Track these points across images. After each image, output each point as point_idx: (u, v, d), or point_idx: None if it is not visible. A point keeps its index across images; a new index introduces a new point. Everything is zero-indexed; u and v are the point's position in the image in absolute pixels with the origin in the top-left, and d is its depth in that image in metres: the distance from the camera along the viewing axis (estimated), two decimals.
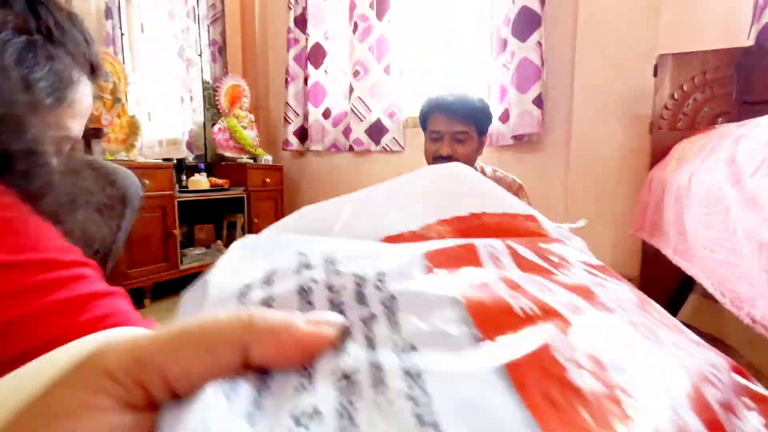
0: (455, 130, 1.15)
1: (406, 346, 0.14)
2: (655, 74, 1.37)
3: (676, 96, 1.31)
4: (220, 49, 2.66)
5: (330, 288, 0.17)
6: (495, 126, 1.97)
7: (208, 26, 2.54)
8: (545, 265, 0.20)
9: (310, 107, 2.53)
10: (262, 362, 0.14)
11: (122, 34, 2.00)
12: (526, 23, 1.80)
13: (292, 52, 2.55)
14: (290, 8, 2.52)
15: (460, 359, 0.14)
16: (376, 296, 0.17)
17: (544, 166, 1.96)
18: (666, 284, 1.27)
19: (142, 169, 1.44)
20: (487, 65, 2.04)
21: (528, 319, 0.15)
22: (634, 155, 1.68)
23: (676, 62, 1.31)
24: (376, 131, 2.34)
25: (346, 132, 2.46)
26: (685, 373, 0.14)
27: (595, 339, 0.15)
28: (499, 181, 1.23)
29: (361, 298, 0.17)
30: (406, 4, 2.28)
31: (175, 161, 1.87)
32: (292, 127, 2.60)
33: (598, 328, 0.16)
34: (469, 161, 1.19)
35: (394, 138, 2.32)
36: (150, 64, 2.69)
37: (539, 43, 1.80)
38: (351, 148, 2.43)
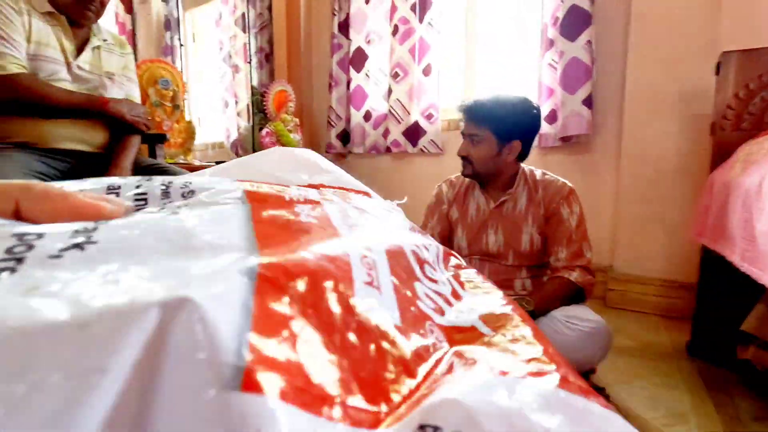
0: (470, 132, 1.19)
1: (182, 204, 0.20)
2: (717, 72, 1.30)
3: (741, 95, 1.24)
4: (266, 56, 2.77)
5: (138, 187, 0.21)
6: (543, 127, 1.94)
7: (256, 34, 2.65)
8: (342, 201, 0.26)
9: (352, 110, 2.58)
10: (32, 216, 0.16)
11: (181, 45, 2.12)
12: (576, 22, 1.76)
13: (336, 57, 2.61)
14: (334, 14, 2.58)
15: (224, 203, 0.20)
16: (179, 192, 0.21)
17: (593, 168, 1.90)
18: (728, 292, 1.21)
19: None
20: (533, 66, 2.01)
21: (294, 202, 0.22)
22: (691, 157, 1.60)
23: (741, 59, 1.24)
24: (414, 133, 2.35)
25: (385, 134, 2.49)
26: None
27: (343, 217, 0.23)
28: (548, 185, 1.21)
29: (165, 194, 0.21)
30: (447, 6, 2.28)
31: None
32: (335, 131, 2.66)
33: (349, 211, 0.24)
34: (483, 164, 1.20)
35: (432, 140, 2.33)
36: (200, 71, 2.83)
37: (589, 42, 1.75)
38: (389, 150, 2.46)
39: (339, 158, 2.78)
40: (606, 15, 1.80)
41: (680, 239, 1.64)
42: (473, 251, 1.30)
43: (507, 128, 1.17)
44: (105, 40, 1.37)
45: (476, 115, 1.17)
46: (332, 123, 2.67)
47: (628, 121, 1.74)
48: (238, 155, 2.55)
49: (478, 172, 1.21)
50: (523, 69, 2.18)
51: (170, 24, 3.08)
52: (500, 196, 1.25)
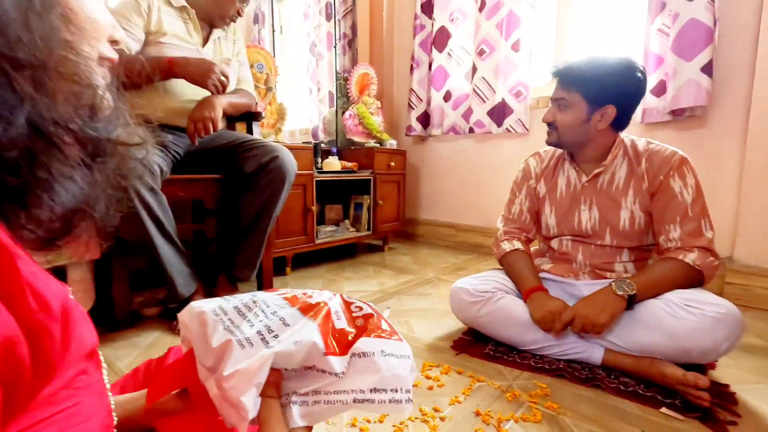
0: (557, 96, 1.11)
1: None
2: None
3: None
4: (349, 42, 2.82)
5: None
6: (646, 100, 1.74)
7: (339, 21, 2.70)
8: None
9: (433, 92, 2.54)
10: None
11: (274, 31, 2.23)
12: None
13: (418, 38, 2.58)
14: None
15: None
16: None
17: (710, 145, 1.67)
18: None
19: (289, 149, 1.59)
20: (641, 33, 1.80)
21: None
22: None
23: None
24: (500, 112, 2.25)
25: (467, 114, 2.41)
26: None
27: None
28: (653, 155, 1.07)
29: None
30: None
31: (312, 144, 2.04)
32: (415, 113, 2.64)
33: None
34: (569, 132, 1.10)
35: (519, 119, 2.21)
36: (288, 64, 2.97)
37: (712, 0, 1.53)
38: (471, 131, 2.38)
39: (418, 141, 2.76)
40: None
41: None
42: (563, 230, 1.21)
43: (599, 91, 1.05)
44: (223, 30, 1.51)
45: (565, 77, 1.09)
46: (412, 105, 2.65)
47: (760, 90, 1.49)
48: (317, 140, 2.63)
49: (563, 140, 1.12)
50: (625, 39, 1.97)
51: (258, 18, 3.27)
52: (593, 169, 1.14)
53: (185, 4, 1.38)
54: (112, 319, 1.27)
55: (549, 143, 1.17)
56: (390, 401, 0.39)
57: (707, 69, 1.55)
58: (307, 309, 0.41)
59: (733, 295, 1.54)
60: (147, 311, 1.38)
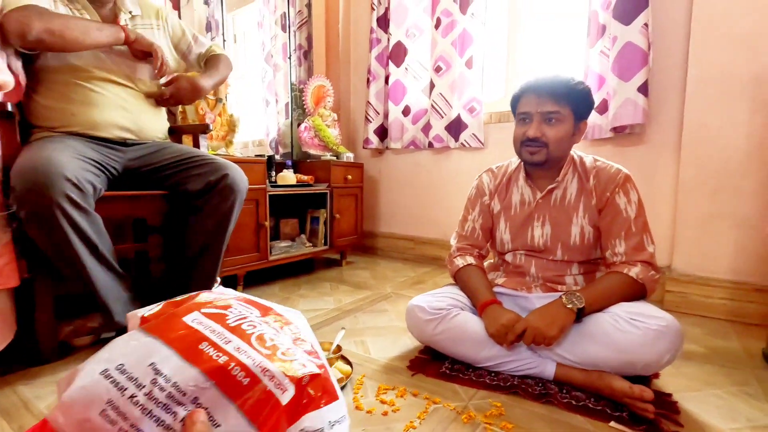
0: (545, 110, 1.07)
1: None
2: None
3: None
4: (305, 53, 2.78)
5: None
6: (591, 118, 1.83)
7: (295, 32, 2.66)
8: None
9: (390, 105, 2.55)
10: None
11: (224, 40, 2.16)
12: (631, 4, 1.65)
13: (374, 52, 2.59)
14: (373, 9, 2.56)
15: None
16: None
17: (649, 160, 1.77)
18: None
19: (240, 164, 1.53)
20: (582, 54, 1.90)
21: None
22: (766, 145, 1.45)
23: None
24: (456, 127, 2.29)
25: (426, 129, 2.43)
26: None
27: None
28: (600, 171, 1.12)
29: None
30: None
31: (266, 157, 1.97)
32: (372, 126, 2.64)
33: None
34: (559, 147, 1.09)
35: (473, 134, 2.25)
36: (242, 74, 2.89)
37: (646, 25, 1.63)
38: (430, 145, 2.41)
39: (376, 153, 2.75)
40: None
41: (753, 237, 1.49)
42: (517, 245, 1.22)
43: (583, 107, 1.10)
44: (131, 13, 1.34)
45: (557, 91, 1.06)
46: (369, 118, 2.65)
47: (690, 108, 1.60)
48: (277, 151, 2.57)
49: (552, 155, 1.10)
50: (569, 59, 2.07)
51: (211, 25, 3.17)
52: (547, 185, 1.16)
53: None
54: (36, 352, 1.15)
55: (536, 162, 1.11)
56: None
57: (643, 89, 1.65)
58: (234, 388, 0.36)
59: (673, 303, 1.63)
60: (78, 341, 1.26)
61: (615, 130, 1.78)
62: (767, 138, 1.45)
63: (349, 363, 1.12)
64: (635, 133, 1.78)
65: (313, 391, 0.39)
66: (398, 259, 2.65)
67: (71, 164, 1.04)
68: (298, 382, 0.38)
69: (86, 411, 0.33)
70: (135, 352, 0.36)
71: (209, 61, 1.52)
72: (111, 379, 0.34)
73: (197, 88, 1.37)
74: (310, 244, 2.27)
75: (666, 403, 0.94)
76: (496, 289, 1.21)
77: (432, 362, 1.15)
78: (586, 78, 1.85)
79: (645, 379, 1.01)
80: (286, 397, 0.36)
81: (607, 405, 0.92)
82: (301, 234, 2.33)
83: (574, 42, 2.04)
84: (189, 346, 0.37)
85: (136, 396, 0.34)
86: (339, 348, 1.15)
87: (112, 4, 1.30)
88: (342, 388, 1.01)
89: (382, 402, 0.95)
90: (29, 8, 1.07)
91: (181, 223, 1.31)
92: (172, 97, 1.35)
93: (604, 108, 1.80)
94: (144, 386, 0.34)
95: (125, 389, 0.34)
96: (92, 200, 1.08)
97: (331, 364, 1.07)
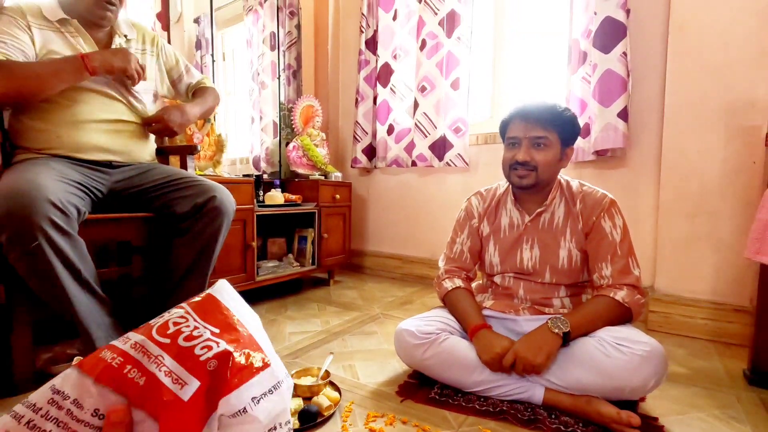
0: (533, 135, 1.11)
1: None
2: None
3: None
4: (294, 73, 2.81)
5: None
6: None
7: (284, 52, 2.69)
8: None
9: (378, 125, 2.58)
10: None
11: (213, 61, 2.17)
12: (610, 34, 1.72)
13: (363, 73, 2.63)
14: (362, 32, 2.61)
15: None
16: None
17: (630, 183, 1.82)
18: None
19: (227, 184, 1.52)
20: (564, 79, 1.96)
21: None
22: (741, 170, 1.51)
23: None
24: (440, 147, 2.32)
25: (409, 148, 2.47)
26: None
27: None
28: (586, 196, 1.15)
29: None
30: (476, 21, 2.27)
31: (254, 177, 1.96)
32: (360, 145, 2.66)
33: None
34: (547, 171, 1.12)
35: (459, 154, 2.28)
36: (229, 92, 2.89)
37: (624, 54, 1.70)
38: (414, 164, 2.43)
39: (364, 173, 2.77)
40: (642, 25, 1.75)
41: (731, 259, 1.54)
42: (506, 268, 1.24)
43: (569, 133, 1.13)
44: (127, 36, 1.34)
45: (544, 117, 1.10)
46: (358, 138, 2.67)
47: (669, 134, 1.66)
48: (259, 169, 2.56)
49: (541, 179, 1.12)
50: (552, 84, 2.14)
51: (201, 44, 3.18)
52: (536, 209, 1.19)
53: (64, 15, 1.20)
54: (10, 380, 1.10)
55: (525, 185, 1.13)
56: None
57: (623, 115, 1.71)
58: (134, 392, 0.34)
59: (656, 323, 1.66)
60: (56, 369, 1.22)
61: (597, 153, 1.83)
62: (743, 163, 1.50)
63: (337, 389, 1.10)
64: (617, 156, 1.83)
65: (228, 373, 0.36)
66: (386, 278, 2.64)
67: (55, 187, 1.02)
68: (203, 370, 0.36)
69: None
70: (47, 382, 0.36)
71: (198, 92, 1.53)
72: (14, 415, 0.34)
73: (186, 115, 1.37)
74: (298, 264, 2.25)
75: (652, 428, 0.95)
76: (485, 312, 1.22)
77: (421, 387, 1.14)
78: (568, 102, 1.91)
79: (632, 403, 1.01)
80: (187, 392, 0.34)
81: (596, 431, 0.93)
82: (289, 253, 2.31)
83: (556, 66, 2.11)
84: (91, 360, 0.37)
85: (33, 421, 0.33)
86: (327, 374, 1.14)
87: (109, 28, 1.31)
88: (330, 416, 0.99)
89: (371, 430, 0.94)
90: None
91: (167, 245, 1.29)
92: (162, 124, 1.33)
93: (586, 132, 1.85)
94: (41, 410, 0.34)
95: (22, 418, 0.34)
96: (76, 224, 1.06)
97: (319, 391, 1.06)
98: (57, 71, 1.12)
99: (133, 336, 0.38)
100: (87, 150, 1.23)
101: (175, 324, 0.39)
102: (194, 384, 0.35)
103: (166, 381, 0.34)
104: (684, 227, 1.63)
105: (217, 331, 0.40)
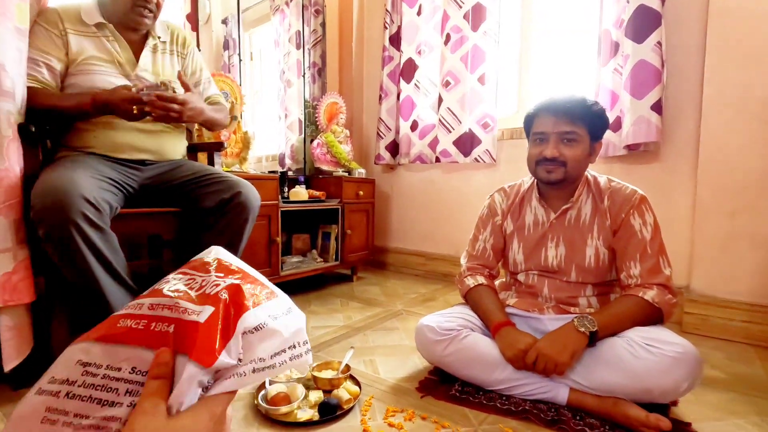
0: (562, 130, 1.07)
1: None
2: None
3: None
4: (319, 71, 2.83)
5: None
6: (605, 135, 1.81)
7: (310, 50, 2.72)
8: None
9: (401, 121, 2.57)
10: None
11: (240, 60, 2.21)
12: (644, 23, 1.64)
13: (387, 69, 2.62)
14: (386, 28, 2.60)
15: None
16: None
17: (663, 178, 1.74)
18: None
19: (253, 180, 1.55)
20: (594, 72, 1.89)
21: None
22: None
23: None
24: (467, 143, 2.28)
25: (433, 144, 2.44)
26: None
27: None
28: (615, 192, 1.10)
29: None
30: (504, 15, 2.22)
31: (279, 173, 2.00)
32: (384, 142, 2.66)
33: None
34: (577, 167, 1.09)
35: (486, 150, 2.25)
36: (256, 91, 2.95)
37: (659, 44, 1.62)
38: (438, 160, 2.41)
39: (387, 169, 2.77)
40: (678, 13, 1.67)
41: None
42: (530, 266, 1.21)
43: (598, 127, 1.10)
44: (161, 38, 1.37)
45: (573, 111, 1.06)
46: (381, 134, 2.67)
47: (707, 128, 1.58)
48: (284, 166, 2.60)
49: (570, 174, 1.09)
50: (580, 75, 2.07)
51: (228, 44, 3.26)
52: (561, 205, 1.15)
53: (102, 20, 1.25)
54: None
55: (553, 180, 1.10)
56: (291, 359, 0.38)
57: (656, 107, 1.63)
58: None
59: (692, 325, 1.58)
60: None
61: (629, 147, 1.76)
62: None
63: (357, 383, 1.11)
64: (649, 151, 1.76)
65: (242, 298, 0.39)
66: (409, 274, 2.63)
67: (89, 184, 1.07)
68: (217, 301, 0.38)
69: (29, 428, 0.33)
70: (60, 362, 0.37)
71: (213, 105, 1.53)
72: (43, 392, 0.35)
73: (201, 116, 1.32)
74: (321, 260, 2.27)
75: None
76: (508, 309, 1.19)
77: (441, 384, 1.13)
78: (597, 95, 1.85)
79: (663, 407, 0.97)
80: (203, 317, 0.36)
81: None
82: (313, 249, 2.34)
83: (584, 58, 2.04)
84: (108, 330, 0.37)
85: (71, 392, 0.34)
86: (348, 368, 1.14)
87: (146, 31, 1.35)
88: (350, 409, 1.00)
89: (390, 425, 0.94)
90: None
91: (195, 240, 1.33)
92: (175, 111, 1.22)
93: (617, 125, 1.79)
94: (76, 381, 0.35)
95: (59, 392, 0.34)
96: (108, 219, 1.11)
97: (339, 384, 1.07)
98: (71, 107, 1.17)
99: (145, 300, 0.39)
100: (122, 149, 1.29)
101: (180, 280, 0.41)
102: (209, 309, 0.36)
103: (189, 318, 0.36)
104: (723, 225, 1.55)
105: (221, 274, 0.41)
